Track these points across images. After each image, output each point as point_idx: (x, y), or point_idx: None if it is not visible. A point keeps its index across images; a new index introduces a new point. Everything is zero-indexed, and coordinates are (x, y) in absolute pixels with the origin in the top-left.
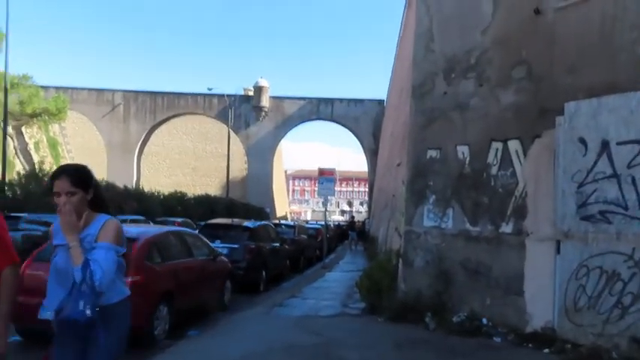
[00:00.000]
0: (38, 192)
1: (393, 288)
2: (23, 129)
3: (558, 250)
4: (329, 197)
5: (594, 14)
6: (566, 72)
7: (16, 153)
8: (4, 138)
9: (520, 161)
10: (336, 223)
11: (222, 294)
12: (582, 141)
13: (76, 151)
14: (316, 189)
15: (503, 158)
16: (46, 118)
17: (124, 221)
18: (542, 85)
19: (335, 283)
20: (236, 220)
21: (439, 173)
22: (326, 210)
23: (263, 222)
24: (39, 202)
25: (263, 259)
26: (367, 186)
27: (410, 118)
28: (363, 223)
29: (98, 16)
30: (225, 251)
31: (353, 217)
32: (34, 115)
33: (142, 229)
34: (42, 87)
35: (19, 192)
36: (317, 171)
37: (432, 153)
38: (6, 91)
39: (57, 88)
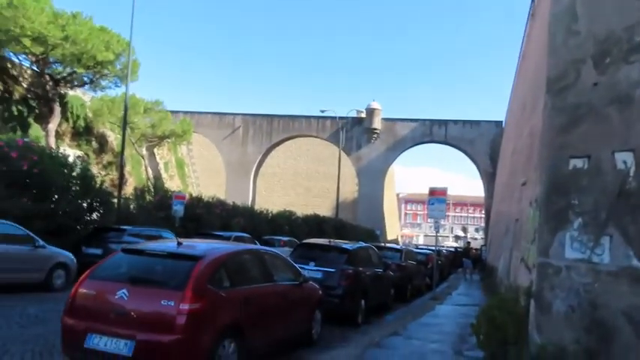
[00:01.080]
0: (150, 206)
1: (522, 338)
2: (155, 150)
3: None
4: (440, 221)
5: None
6: None
7: (146, 172)
8: (122, 155)
9: None
10: (450, 249)
11: (310, 326)
12: None
13: (200, 171)
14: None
15: None
16: (173, 139)
17: (227, 238)
18: None
19: (446, 319)
20: (334, 241)
21: (588, 189)
22: (437, 234)
23: (364, 244)
24: (148, 216)
25: (362, 287)
26: (483, 212)
27: (543, 120)
28: (479, 250)
29: (221, 45)
30: (318, 275)
31: (469, 242)
32: (163, 137)
33: (211, 246)
34: (172, 112)
35: (132, 206)
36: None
37: (577, 163)
38: (126, 109)
39: (185, 113)
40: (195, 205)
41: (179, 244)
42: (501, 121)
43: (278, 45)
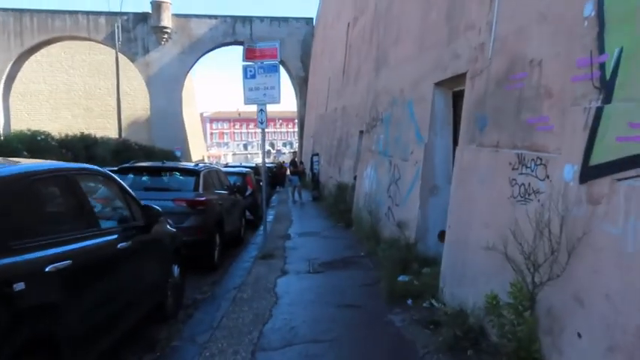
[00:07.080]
0: None
1: None
2: None
3: None
4: (267, 107)
5: None
6: None
7: None
8: None
9: None
10: (270, 165)
11: None
12: None
13: None
14: (236, 130)
15: None
16: None
17: None
18: None
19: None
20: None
21: None
22: (264, 138)
23: (49, 164)
24: None
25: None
26: (291, 126)
27: None
28: (311, 163)
29: None
30: None
31: (295, 152)
32: None
33: None
34: None
35: None
36: (237, 113)
37: None
38: None
39: None
40: None
41: None
42: (312, 19)
43: None
